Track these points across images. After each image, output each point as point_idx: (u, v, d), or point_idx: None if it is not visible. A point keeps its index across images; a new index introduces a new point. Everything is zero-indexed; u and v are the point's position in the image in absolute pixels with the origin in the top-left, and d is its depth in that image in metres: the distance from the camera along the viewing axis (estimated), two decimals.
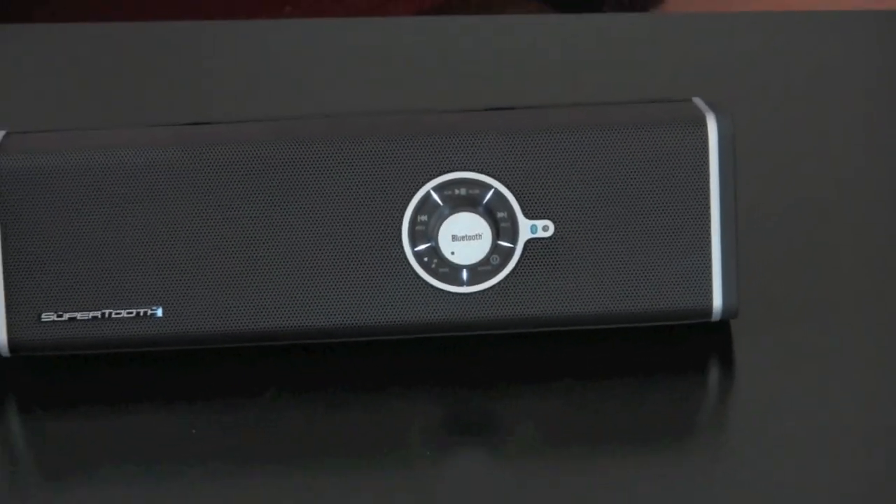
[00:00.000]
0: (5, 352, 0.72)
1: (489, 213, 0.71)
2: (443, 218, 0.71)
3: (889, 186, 0.84)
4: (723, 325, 0.74)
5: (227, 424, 0.71)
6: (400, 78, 0.89)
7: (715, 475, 0.69)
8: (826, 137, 0.87)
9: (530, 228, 0.72)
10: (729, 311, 0.72)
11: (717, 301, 0.72)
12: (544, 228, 0.72)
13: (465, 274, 0.72)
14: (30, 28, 0.96)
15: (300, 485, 0.68)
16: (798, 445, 0.69)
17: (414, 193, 0.71)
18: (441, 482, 0.68)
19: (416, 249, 0.71)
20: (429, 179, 0.71)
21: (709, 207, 0.72)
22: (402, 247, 0.72)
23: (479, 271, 0.72)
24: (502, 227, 0.71)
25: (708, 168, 0.72)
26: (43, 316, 0.71)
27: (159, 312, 0.72)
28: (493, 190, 0.71)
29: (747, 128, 0.81)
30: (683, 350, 0.74)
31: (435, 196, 0.71)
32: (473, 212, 0.71)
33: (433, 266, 0.72)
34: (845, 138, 0.87)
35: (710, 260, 0.72)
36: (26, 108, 0.89)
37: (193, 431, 0.70)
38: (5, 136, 0.72)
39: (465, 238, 0.71)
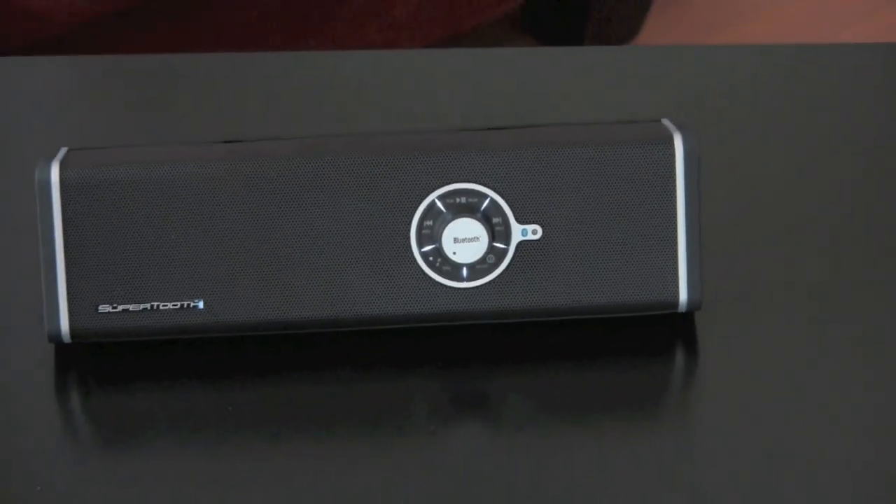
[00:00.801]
0: (67, 338, 0.72)
1: (486, 219, 0.72)
2: (446, 223, 0.72)
3: (840, 194, 0.83)
4: (688, 316, 0.74)
5: (257, 400, 0.72)
6: (409, 101, 0.89)
7: (680, 442, 0.70)
8: (785, 154, 0.86)
9: (521, 232, 0.72)
10: (693, 304, 0.73)
11: (683, 295, 0.73)
12: (533, 232, 0.72)
13: (464, 271, 0.72)
14: (86, 59, 0.96)
15: (320, 451, 0.69)
16: (753, 418, 0.70)
17: (421, 202, 0.72)
18: (442, 449, 0.69)
19: (423, 250, 0.72)
20: (434, 189, 0.72)
21: (675, 213, 0.72)
22: (410, 248, 0.72)
23: (477, 269, 0.72)
24: (497, 231, 0.72)
25: (675, 180, 0.72)
26: (100, 307, 0.72)
27: (200, 305, 0.72)
28: (489, 199, 0.72)
29: (712, 145, 0.81)
30: (653, 337, 0.74)
31: (439, 204, 0.72)
32: (472, 217, 0.72)
33: (437, 264, 0.72)
34: (803, 155, 0.86)
35: (676, 259, 0.72)
36: (84, 129, 0.89)
37: (229, 408, 0.71)
38: (67, 153, 0.73)
39: (464, 240, 0.72)
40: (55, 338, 0.73)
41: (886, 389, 0.72)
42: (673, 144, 0.72)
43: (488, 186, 0.72)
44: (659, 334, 0.74)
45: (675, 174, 0.72)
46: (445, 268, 0.72)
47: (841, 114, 0.89)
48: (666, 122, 0.74)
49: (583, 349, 0.74)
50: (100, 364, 0.74)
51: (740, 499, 0.67)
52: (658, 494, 0.67)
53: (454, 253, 0.72)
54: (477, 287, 0.73)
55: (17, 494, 0.67)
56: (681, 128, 0.73)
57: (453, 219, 0.72)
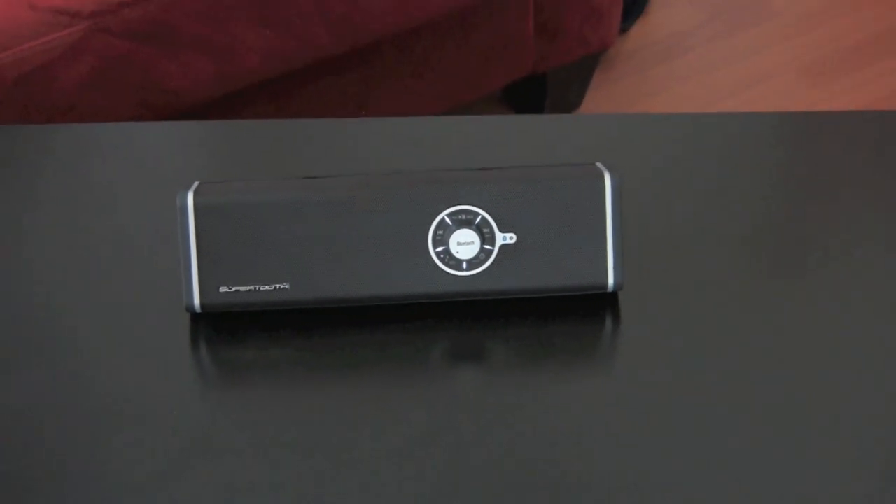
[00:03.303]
0: (198, 310, 0.73)
1: (479, 229, 0.73)
2: (452, 231, 0.72)
3: (730, 215, 0.82)
4: (614, 294, 0.75)
5: (325, 351, 0.73)
6: (427, 149, 0.88)
7: (608, 376, 0.71)
8: (689, 186, 0.85)
9: (502, 238, 0.73)
10: (618, 286, 0.74)
11: (611, 280, 0.73)
12: (510, 238, 0.73)
13: (464, 264, 0.73)
14: (211, 123, 0.94)
15: (367, 381, 0.70)
16: (659, 359, 0.71)
17: (435, 217, 0.73)
18: (448, 381, 0.71)
19: (436, 250, 0.73)
20: (444, 209, 0.73)
21: (605, 225, 0.73)
22: (427, 248, 0.73)
23: (472, 263, 0.73)
24: (486, 237, 0.73)
25: (605, 203, 0.73)
26: (220, 289, 0.73)
27: (287, 286, 0.73)
28: (480, 215, 0.73)
29: (633, 181, 0.82)
30: (590, 308, 0.75)
31: (447, 219, 0.73)
32: (469, 228, 0.72)
33: (446, 260, 0.73)
34: (703, 188, 0.84)
35: (606, 256, 0.73)
36: (210, 170, 0.88)
37: (308, 355, 0.72)
38: (199, 184, 0.74)
39: (464, 244, 0.73)
40: (190, 309, 0.73)
41: (760, 335, 0.73)
42: (604, 179, 0.73)
43: (480, 207, 0.73)
44: (594, 306, 0.75)
45: (605, 199, 0.73)
46: (451, 262, 0.73)
47: (732, 162, 0.88)
48: (599, 164, 0.75)
49: (542, 316, 0.75)
50: (220, 327, 0.74)
51: (652, 408, 0.68)
52: (593, 409, 0.68)
53: (457, 252, 0.73)
54: (472, 275, 0.73)
55: (160, 415, 0.68)
56: (609, 168, 0.74)
57: (457, 229, 0.73)
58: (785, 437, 0.66)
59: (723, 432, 0.67)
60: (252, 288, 0.73)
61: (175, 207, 0.73)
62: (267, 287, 0.73)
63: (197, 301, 0.73)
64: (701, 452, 0.65)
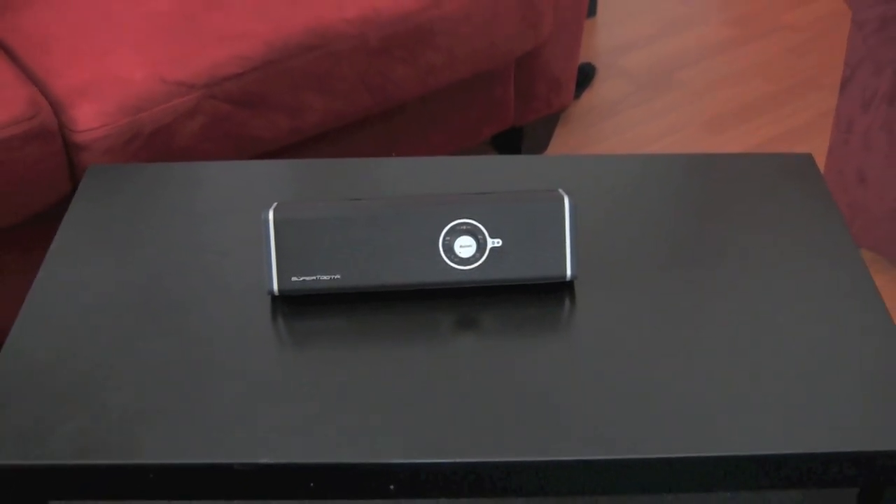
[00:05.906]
0: (276, 293, 0.72)
1: (475, 236, 0.72)
2: (456, 237, 0.72)
3: (665, 229, 0.80)
4: (570, 283, 0.74)
5: (365, 320, 0.72)
6: (439, 177, 0.87)
7: (567, 343, 0.70)
8: (632, 207, 0.82)
9: (492, 242, 0.72)
10: (573, 276, 0.73)
11: (569, 272, 0.73)
12: (498, 242, 0.72)
13: (465, 261, 0.72)
14: (283, 162, 0.92)
15: (393, 344, 0.69)
16: (606, 329, 0.70)
17: (444, 227, 0.72)
18: (451, 344, 0.70)
19: (445, 251, 0.72)
20: (451, 221, 0.72)
21: (565, 234, 0.72)
22: (439, 249, 0.72)
23: (470, 260, 0.72)
24: (480, 242, 0.72)
25: (564, 218, 0.72)
26: (292, 278, 0.72)
27: (339, 277, 0.72)
28: (476, 226, 0.72)
29: (584, 202, 0.81)
30: (553, 292, 0.74)
31: (453, 229, 0.72)
32: (469, 235, 0.72)
33: (451, 258, 0.72)
34: (645, 209, 0.82)
35: (565, 255, 0.72)
36: (283, 194, 0.86)
37: (354, 324, 0.71)
38: (277, 204, 0.73)
39: (465, 246, 0.72)
40: (270, 292, 0.73)
41: (680, 307, 0.72)
42: (564, 201, 0.72)
43: (476, 220, 0.72)
44: (556, 291, 0.74)
45: (564, 215, 0.72)
46: (455, 259, 0.72)
47: (655, 188, 0.86)
48: (560, 190, 0.74)
49: (520, 296, 0.74)
50: (292, 305, 0.73)
51: (599, 356, 0.67)
52: (555, 358, 0.67)
53: (460, 252, 0.72)
54: (471, 269, 0.73)
55: (248, 368, 0.68)
56: (568, 193, 0.73)
57: (459, 236, 0.72)
58: (710, 373, 0.66)
59: (654, 371, 0.66)
60: (315, 278, 0.72)
61: (260, 221, 0.73)
62: (325, 277, 0.72)
63: (275, 287, 0.72)
64: (636, 385, 0.65)
